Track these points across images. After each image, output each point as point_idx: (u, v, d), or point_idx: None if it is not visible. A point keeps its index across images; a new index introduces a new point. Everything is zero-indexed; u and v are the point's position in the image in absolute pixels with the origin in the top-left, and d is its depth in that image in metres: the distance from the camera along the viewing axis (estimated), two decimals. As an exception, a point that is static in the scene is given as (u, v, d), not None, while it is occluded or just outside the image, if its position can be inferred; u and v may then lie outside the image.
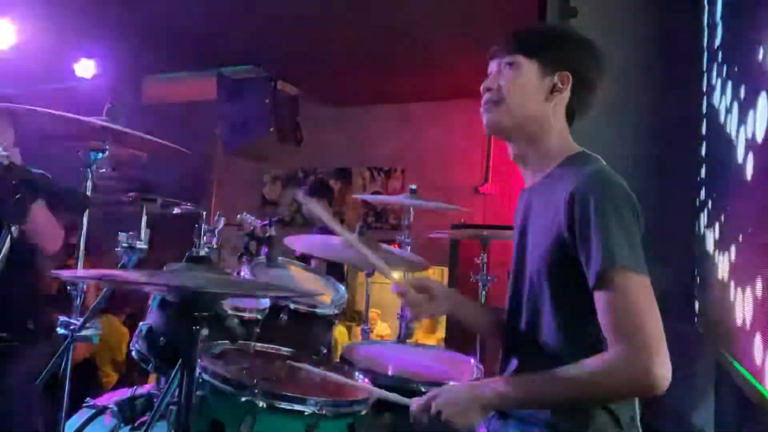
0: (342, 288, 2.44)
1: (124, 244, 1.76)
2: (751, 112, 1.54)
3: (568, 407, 1.27)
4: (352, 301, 5.65)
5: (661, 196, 2.64)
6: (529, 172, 1.44)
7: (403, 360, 2.16)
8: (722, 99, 2.10)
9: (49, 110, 1.74)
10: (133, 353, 1.88)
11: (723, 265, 1.96)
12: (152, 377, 2.41)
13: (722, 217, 2.03)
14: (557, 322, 1.30)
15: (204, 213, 1.88)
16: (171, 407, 1.52)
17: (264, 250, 2.29)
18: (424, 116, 6.36)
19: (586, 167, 1.31)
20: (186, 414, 1.12)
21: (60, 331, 1.70)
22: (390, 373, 1.95)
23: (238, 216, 2.38)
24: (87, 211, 1.80)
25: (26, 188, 1.54)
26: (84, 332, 1.68)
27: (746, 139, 1.60)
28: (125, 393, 1.91)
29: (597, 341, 1.21)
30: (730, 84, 1.95)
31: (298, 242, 2.67)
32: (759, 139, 1.46)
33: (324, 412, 1.51)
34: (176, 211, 2.23)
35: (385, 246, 2.51)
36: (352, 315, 5.90)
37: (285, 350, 1.94)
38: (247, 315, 1.95)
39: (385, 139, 6.61)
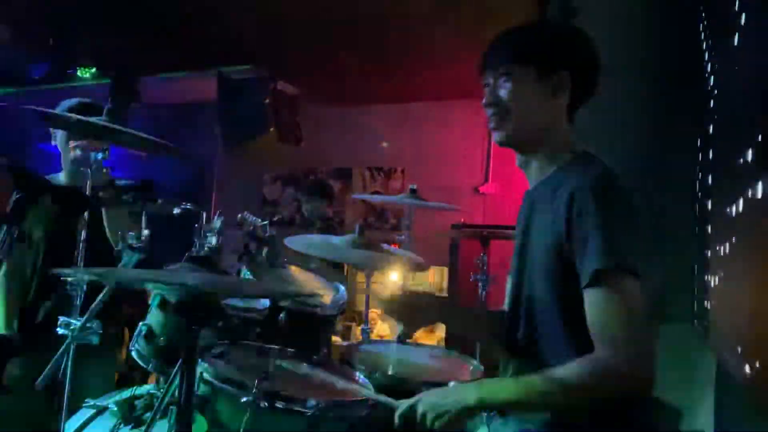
0: (342, 288, 2.44)
1: (124, 244, 1.75)
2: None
3: (556, 409, 1.27)
4: (352, 301, 5.65)
5: (661, 197, 2.63)
6: (534, 174, 1.45)
7: (403, 360, 2.16)
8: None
9: (49, 110, 1.74)
10: (133, 353, 1.88)
11: (723, 264, 1.96)
12: (152, 377, 2.40)
13: (722, 217, 2.03)
14: (557, 323, 1.30)
15: (204, 213, 1.88)
16: (171, 407, 1.52)
17: (264, 250, 2.29)
18: (424, 116, 6.36)
19: (588, 168, 1.31)
20: (186, 414, 1.12)
21: (60, 331, 1.69)
22: (390, 373, 1.95)
23: (239, 215, 2.38)
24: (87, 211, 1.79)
25: (26, 188, 1.54)
26: (84, 332, 1.68)
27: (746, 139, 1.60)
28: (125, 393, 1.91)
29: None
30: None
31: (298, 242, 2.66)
32: (759, 138, 1.46)
33: (324, 412, 1.51)
34: (176, 211, 2.22)
35: (385, 246, 2.50)
36: (352, 315, 5.90)
37: (285, 350, 1.93)
38: (247, 315, 1.95)
39: (385, 139, 6.61)
